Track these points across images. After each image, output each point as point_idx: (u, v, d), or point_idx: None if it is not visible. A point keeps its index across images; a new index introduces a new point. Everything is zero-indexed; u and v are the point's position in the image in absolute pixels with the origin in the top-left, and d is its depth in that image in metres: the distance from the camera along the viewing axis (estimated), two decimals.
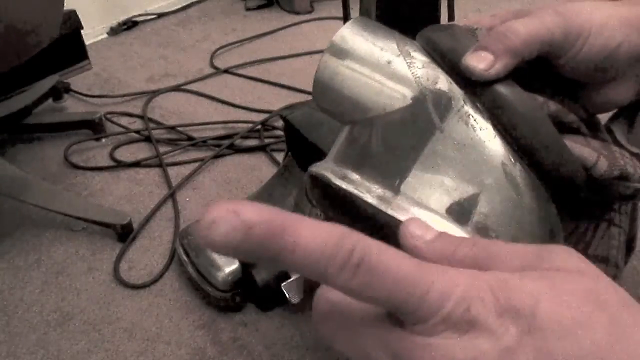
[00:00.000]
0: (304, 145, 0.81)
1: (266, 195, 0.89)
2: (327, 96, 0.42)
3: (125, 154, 1.19)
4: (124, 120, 1.30)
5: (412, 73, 0.39)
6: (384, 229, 0.37)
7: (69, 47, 1.40)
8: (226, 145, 1.18)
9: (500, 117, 0.37)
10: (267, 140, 1.20)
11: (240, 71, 1.49)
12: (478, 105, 0.37)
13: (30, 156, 1.20)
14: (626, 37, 0.38)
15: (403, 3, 0.60)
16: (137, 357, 0.78)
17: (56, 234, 0.99)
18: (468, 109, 0.38)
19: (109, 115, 1.30)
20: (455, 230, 0.36)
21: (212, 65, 1.52)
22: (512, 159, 0.37)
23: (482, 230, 0.37)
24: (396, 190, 0.37)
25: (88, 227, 0.99)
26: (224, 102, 1.35)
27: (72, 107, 1.38)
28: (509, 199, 0.37)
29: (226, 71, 1.49)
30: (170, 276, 0.90)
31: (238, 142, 1.19)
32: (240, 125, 1.25)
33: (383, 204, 0.37)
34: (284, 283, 0.80)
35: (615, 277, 0.44)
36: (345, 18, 0.55)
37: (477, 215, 0.37)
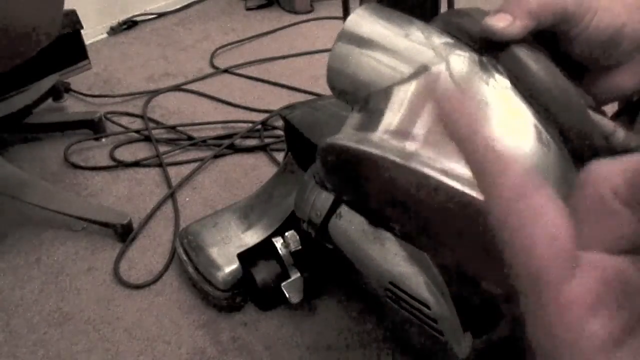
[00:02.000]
0: (304, 145, 0.81)
1: (266, 195, 0.89)
2: (342, 78, 0.41)
3: (125, 153, 1.19)
4: (124, 120, 1.30)
5: (431, 44, 0.39)
6: (404, 189, 0.35)
7: (69, 47, 1.40)
8: (226, 145, 1.18)
9: (521, 77, 0.36)
10: (267, 140, 1.20)
11: (240, 71, 1.49)
12: (499, 67, 0.37)
13: (30, 156, 1.20)
14: (630, 19, 0.39)
15: (403, 3, 0.59)
16: (137, 357, 0.78)
17: (56, 234, 0.99)
18: (488, 70, 0.37)
19: (109, 115, 1.30)
20: None
21: (212, 65, 1.52)
22: (538, 120, 0.36)
23: None
24: (417, 149, 0.36)
25: (88, 226, 0.99)
26: (224, 101, 1.35)
27: (72, 107, 1.38)
28: (544, 164, 0.35)
29: (226, 71, 1.49)
30: (170, 276, 0.90)
31: (238, 141, 1.19)
32: (240, 125, 1.25)
33: (406, 159, 0.35)
34: (284, 283, 0.80)
35: None
36: (346, 18, 0.54)
37: None
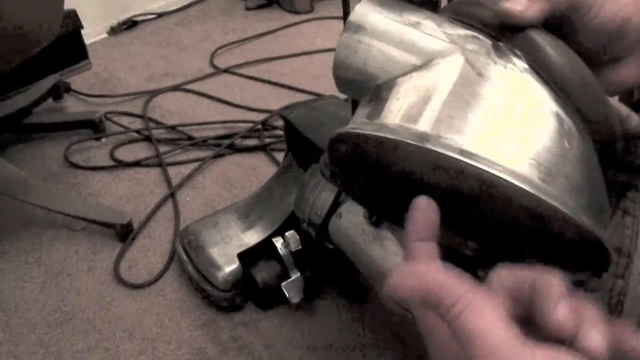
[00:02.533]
0: (304, 145, 0.81)
1: (266, 195, 0.89)
2: (351, 68, 0.41)
3: (126, 153, 1.19)
4: (124, 120, 1.30)
5: (444, 32, 0.39)
6: (423, 172, 0.35)
7: (69, 46, 1.40)
8: (226, 145, 1.18)
9: (540, 61, 0.36)
10: (267, 140, 1.20)
11: (240, 71, 1.49)
12: (516, 51, 0.37)
13: (31, 156, 1.20)
14: (637, 11, 0.39)
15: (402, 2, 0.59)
16: (137, 357, 0.78)
17: (56, 234, 0.99)
18: (505, 54, 0.37)
19: (109, 115, 1.30)
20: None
21: (212, 65, 1.52)
22: (559, 105, 0.36)
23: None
24: (436, 132, 0.35)
25: (88, 226, 0.99)
26: (224, 101, 1.35)
27: (72, 107, 1.37)
28: (561, 148, 0.35)
29: (226, 71, 1.49)
30: (170, 276, 0.90)
31: (238, 141, 1.19)
32: (240, 125, 1.25)
33: (424, 141, 0.34)
34: (284, 283, 0.80)
35: (626, 268, 0.44)
36: (345, 18, 0.55)
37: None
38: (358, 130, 0.37)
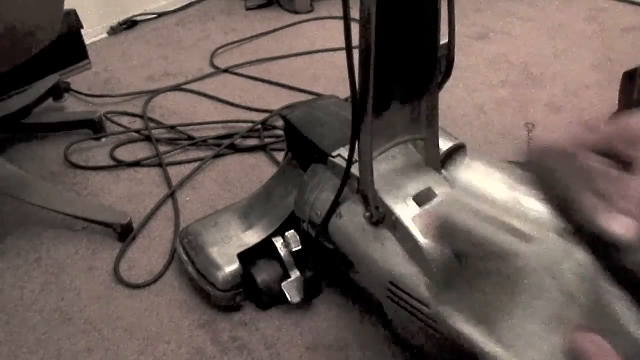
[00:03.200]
0: (304, 145, 0.81)
1: (266, 194, 0.89)
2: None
3: (125, 153, 1.19)
4: (124, 120, 1.30)
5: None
6: None
7: (69, 46, 1.40)
8: (226, 144, 1.18)
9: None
10: (267, 140, 1.20)
11: (240, 71, 1.48)
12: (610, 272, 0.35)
13: (30, 156, 1.20)
14: None
15: (403, 2, 0.59)
16: (137, 356, 0.78)
17: (56, 234, 0.99)
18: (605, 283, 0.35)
19: (108, 115, 1.30)
20: None
21: (212, 65, 1.52)
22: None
23: None
24: None
25: (88, 226, 0.99)
26: (224, 101, 1.35)
27: (72, 107, 1.37)
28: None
29: (226, 71, 1.49)
30: (170, 276, 0.90)
31: (238, 141, 1.19)
32: (240, 124, 1.25)
33: None
34: (284, 283, 0.80)
35: None
36: (346, 18, 0.55)
37: None
38: None
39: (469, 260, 0.48)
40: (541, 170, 0.36)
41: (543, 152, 0.37)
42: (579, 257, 0.37)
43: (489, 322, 0.42)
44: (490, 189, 0.41)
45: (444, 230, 0.47)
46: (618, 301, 0.36)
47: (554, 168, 0.36)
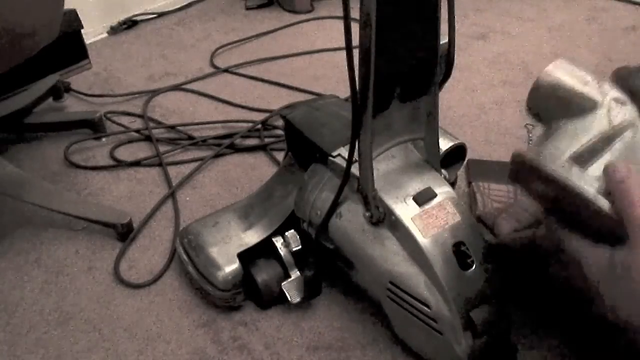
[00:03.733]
0: (304, 145, 0.81)
1: (266, 194, 0.89)
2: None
3: (125, 153, 1.19)
4: (124, 120, 1.30)
5: (602, 93, 0.59)
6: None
7: (69, 46, 1.40)
8: (226, 144, 1.18)
9: None
10: (267, 140, 1.20)
11: (240, 70, 1.49)
12: None
13: (30, 156, 1.20)
14: None
15: (403, 2, 0.59)
16: (137, 357, 0.78)
17: (56, 234, 0.99)
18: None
19: (109, 115, 1.30)
20: None
21: (212, 65, 1.52)
22: None
23: None
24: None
25: (88, 226, 0.99)
26: (224, 101, 1.35)
27: (72, 107, 1.38)
28: None
29: (226, 70, 1.49)
30: (171, 275, 0.90)
31: (238, 141, 1.19)
32: (240, 124, 1.25)
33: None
34: (284, 282, 0.80)
35: None
36: (346, 17, 0.55)
37: None
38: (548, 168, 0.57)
39: None
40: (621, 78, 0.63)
41: (624, 68, 0.67)
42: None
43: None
44: None
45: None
46: None
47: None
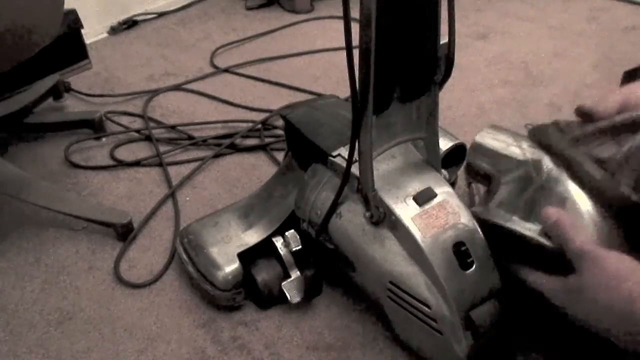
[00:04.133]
0: (304, 145, 0.81)
1: (266, 194, 0.89)
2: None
3: (126, 153, 1.19)
4: (124, 120, 1.30)
5: (523, 152, 0.72)
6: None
7: (69, 46, 1.40)
8: (226, 144, 1.18)
9: (580, 179, 0.64)
10: (267, 140, 1.20)
11: (240, 70, 1.49)
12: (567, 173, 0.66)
13: (31, 156, 1.20)
14: None
15: (403, 2, 0.59)
16: (138, 356, 0.78)
17: (56, 233, 0.99)
18: (561, 173, 0.66)
19: (109, 115, 1.30)
20: None
21: (213, 65, 1.52)
22: (597, 212, 0.63)
23: None
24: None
25: (88, 226, 0.99)
26: (224, 101, 1.35)
27: (72, 107, 1.38)
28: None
29: (226, 70, 1.49)
30: (171, 275, 0.90)
31: (238, 141, 1.19)
32: (240, 124, 1.25)
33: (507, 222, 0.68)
34: (284, 282, 0.80)
35: None
36: (346, 17, 0.55)
37: None
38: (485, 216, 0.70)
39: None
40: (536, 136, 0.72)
41: (537, 127, 0.72)
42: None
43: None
44: None
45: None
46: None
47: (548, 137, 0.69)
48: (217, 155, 1.16)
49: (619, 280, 0.53)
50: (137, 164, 1.15)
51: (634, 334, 0.51)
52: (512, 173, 0.71)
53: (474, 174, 0.78)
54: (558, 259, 0.61)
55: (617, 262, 0.54)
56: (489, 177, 0.75)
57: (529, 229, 0.65)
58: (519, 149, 0.72)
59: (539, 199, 0.66)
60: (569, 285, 0.58)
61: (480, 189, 0.82)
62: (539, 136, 0.70)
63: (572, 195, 0.64)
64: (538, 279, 0.63)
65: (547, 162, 0.68)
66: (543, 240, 0.63)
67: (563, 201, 0.64)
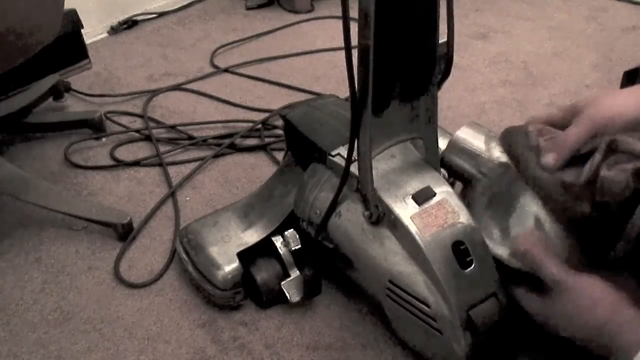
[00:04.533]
0: (304, 144, 0.81)
1: (266, 194, 0.89)
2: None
3: (126, 153, 1.19)
4: (124, 120, 1.30)
5: (491, 160, 0.72)
6: None
7: (69, 46, 1.40)
8: (226, 144, 1.18)
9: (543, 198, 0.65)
10: (267, 140, 1.20)
11: (240, 70, 1.49)
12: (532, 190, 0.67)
13: (31, 155, 1.20)
14: None
15: (402, 1, 0.59)
16: (138, 356, 0.78)
17: (56, 233, 0.99)
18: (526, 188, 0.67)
19: (109, 115, 1.30)
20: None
21: (213, 65, 1.52)
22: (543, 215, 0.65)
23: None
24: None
25: (88, 226, 0.99)
26: (224, 101, 1.35)
27: (73, 106, 1.38)
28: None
29: (226, 70, 1.49)
30: (171, 275, 0.90)
31: (238, 141, 1.19)
32: (240, 124, 1.25)
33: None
34: (284, 282, 0.80)
35: None
36: (345, 17, 0.55)
37: None
38: None
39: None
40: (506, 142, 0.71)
41: (509, 131, 0.71)
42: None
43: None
44: None
45: None
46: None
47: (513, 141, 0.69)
48: (217, 155, 1.16)
49: (591, 307, 0.58)
50: (137, 164, 1.15)
51: (604, 346, 0.57)
52: (481, 182, 0.72)
53: (448, 169, 0.77)
54: (531, 278, 0.64)
55: (589, 288, 0.60)
56: (463, 176, 0.75)
57: (503, 252, 0.67)
58: (489, 154, 0.72)
59: (507, 215, 0.67)
60: (545, 308, 0.63)
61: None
62: (508, 143, 0.70)
63: (536, 211, 0.65)
64: (518, 294, 0.67)
65: (513, 174, 0.68)
66: (515, 263, 0.66)
67: (529, 217, 0.66)
